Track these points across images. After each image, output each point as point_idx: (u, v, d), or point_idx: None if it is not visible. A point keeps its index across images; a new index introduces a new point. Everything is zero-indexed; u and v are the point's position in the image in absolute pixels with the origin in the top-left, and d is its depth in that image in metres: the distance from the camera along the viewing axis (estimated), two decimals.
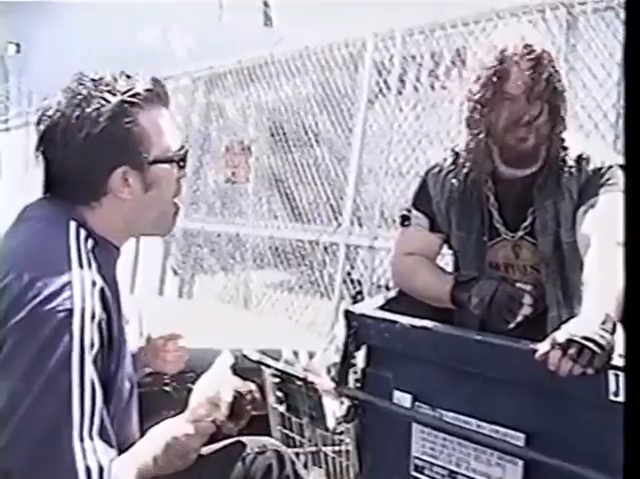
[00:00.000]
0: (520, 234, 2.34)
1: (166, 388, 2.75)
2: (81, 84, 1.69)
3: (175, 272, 7.53)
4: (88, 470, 1.46)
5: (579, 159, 2.27)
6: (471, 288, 2.27)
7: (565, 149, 2.28)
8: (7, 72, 13.78)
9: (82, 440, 1.47)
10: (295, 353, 3.06)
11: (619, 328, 1.75)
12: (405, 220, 2.51)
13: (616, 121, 3.84)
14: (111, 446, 1.53)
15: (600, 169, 2.23)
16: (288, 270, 6.45)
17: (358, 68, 5.82)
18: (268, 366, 2.95)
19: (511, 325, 2.18)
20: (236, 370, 1.95)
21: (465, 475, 2.04)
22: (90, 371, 1.51)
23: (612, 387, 1.72)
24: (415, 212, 2.49)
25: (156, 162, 1.71)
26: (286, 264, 6.43)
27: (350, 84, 5.91)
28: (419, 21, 5.30)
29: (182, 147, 1.79)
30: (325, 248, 5.91)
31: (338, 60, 5.98)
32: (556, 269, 2.31)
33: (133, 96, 1.68)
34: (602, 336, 1.72)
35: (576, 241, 2.20)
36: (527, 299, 2.19)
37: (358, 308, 2.30)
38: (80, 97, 1.67)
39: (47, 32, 12.29)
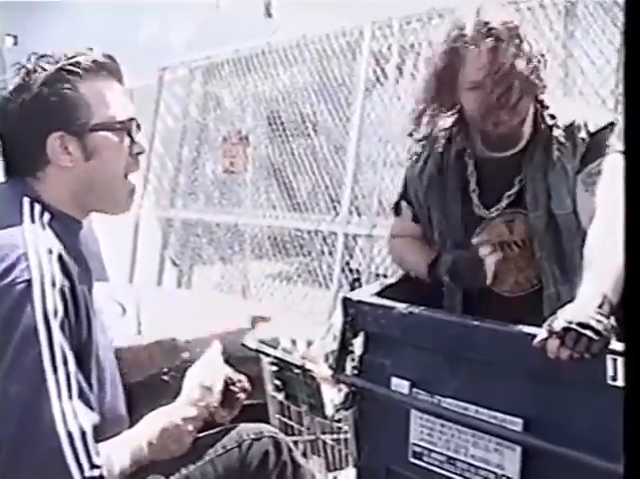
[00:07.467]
0: (507, 209, 2.26)
1: (165, 378, 2.74)
2: (29, 59, 1.71)
3: (174, 263, 7.52)
4: (70, 436, 1.46)
5: (571, 127, 2.20)
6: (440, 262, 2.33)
7: (553, 117, 2.22)
8: (4, 64, 13.74)
9: (61, 403, 1.47)
10: (293, 341, 3.05)
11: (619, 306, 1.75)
12: (396, 209, 2.53)
13: (615, 107, 3.83)
14: (91, 409, 1.53)
15: (595, 133, 2.16)
16: (287, 260, 6.45)
17: (356, 57, 5.80)
18: (266, 354, 2.95)
19: (488, 281, 2.23)
20: (230, 359, 1.96)
21: (463, 461, 2.03)
22: (58, 337, 1.51)
23: (610, 372, 1.71)
24: (403, 201, 2.50)
25: (95, 129, 1.70)
26: (285, 254, 6.42)
27: (348, 73, 5.90)
28: (416, 9, 5.28)
29: (132, 119, 1.76)
30: (323, 238, 5.90)
31: (335, 49, 5.96)
32: (551, 244, 2.22)
33: (72, 64, 1.69)
34: (599, 321, 1.71)
35: (571, 213, 2.17)
36: (487, 253, 2.23)
37: (355, 295, 2.29)
38: (24, 70, 1.69)
39: (44, 23, 12.26)
